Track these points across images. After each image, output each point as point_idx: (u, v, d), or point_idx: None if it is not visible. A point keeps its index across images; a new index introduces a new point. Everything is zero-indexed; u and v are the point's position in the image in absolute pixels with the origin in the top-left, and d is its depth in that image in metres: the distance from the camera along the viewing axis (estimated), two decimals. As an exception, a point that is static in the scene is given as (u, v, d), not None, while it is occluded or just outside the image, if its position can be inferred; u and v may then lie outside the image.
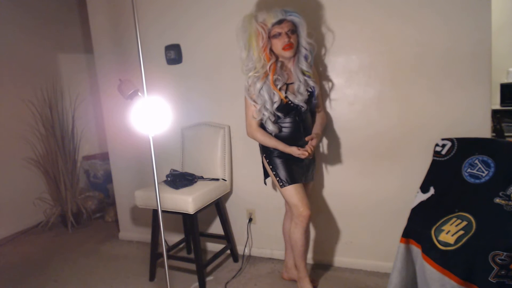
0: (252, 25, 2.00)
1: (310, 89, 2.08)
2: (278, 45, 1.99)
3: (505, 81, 3.91)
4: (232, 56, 2.63)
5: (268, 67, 2.02)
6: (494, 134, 3.55)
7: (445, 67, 2.11)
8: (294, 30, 1.99)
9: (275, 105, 2.05)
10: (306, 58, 2.05)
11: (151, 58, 2.83)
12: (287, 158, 2.10)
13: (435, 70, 2.13)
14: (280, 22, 1.97)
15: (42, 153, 3.81)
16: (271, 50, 2.03)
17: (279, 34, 1.97)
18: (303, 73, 2.06)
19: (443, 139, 1.92)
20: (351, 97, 2.36)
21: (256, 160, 2.67)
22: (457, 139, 1.88)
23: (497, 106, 3.84)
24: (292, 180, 2.09)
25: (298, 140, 2.10)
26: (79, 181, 3.94)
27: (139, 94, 1.93)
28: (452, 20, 2.06)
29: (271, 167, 2.14)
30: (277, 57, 2.06)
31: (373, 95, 2.30)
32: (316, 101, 2.15)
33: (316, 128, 2.20)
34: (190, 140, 2.78)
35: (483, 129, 2.06)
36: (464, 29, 2.04)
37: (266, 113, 2.07)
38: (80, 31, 4.31)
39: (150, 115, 1.83)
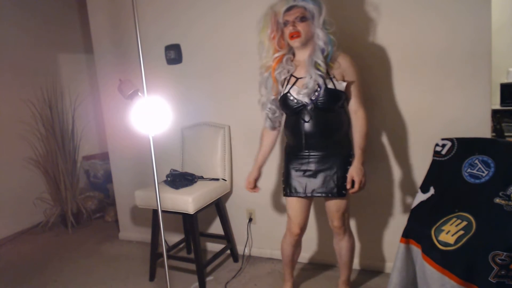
0: (267, 14, 1.90)
1: (320, 85, 1.82)
2: (286, 34, 1.84)
3: (505, 81, 3.91)
4: (232, 56, 2.63)
5: (273, 58, 1.90)
6: (494, 134, 3.55)
7: (445, 67, 2.11)
8: (304, 17, 1.80)
9: (270, 98, 1.95)
10: (323, 51, 1.82)
11: (151, 58, 2.83)
12: (292, 165, 1.95)
13: (435, 70, 2.13)
14: (289, 9, 1.81)
15: (42, 153, 3.81)
16: (284, 41, 1.90)
17: (288, 22, 1.82)
18: (316, 67, 1.82)
19: (443, 139, 1.91)
20: (351, 97, 2.35)
21: (256, 160, 2.67)
22: (457, 139, 1.88)
23: (497, 106, 3.84)
24: (289, 192, 1.95)
25: (299, 145, 1.91)
26: (79, 181, 3.93)
27: (139, 94, 1.93)
28: (452, 19, 2.06)
29: (283, 171, 2.02)
30: (291, 49, 1.93)
31: (373, 95, 2.29)
32: (319, 96, 1.82)
33: (355, 147, 1.90)
34: (190, 140, 2.78)
35: (483, 129, 2.06)
36: (464, 28, 2.04)
37: (268, 106, 1.97)
38: (80, 31, 4.30)
39: (150, 115, 1.82)
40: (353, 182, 1.87)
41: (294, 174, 1.94)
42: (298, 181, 1.93)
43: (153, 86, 2.65)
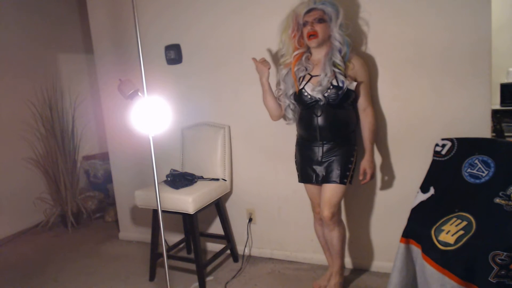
0: (289, 16, 2.09)
1: (339, 84, 1.95)
2: (305, 33, 2.01)
3: (505, 81, 3.91)
4: (232, 55, 2.63)
5: (293, 55, 2.08)
6: (494, 134, 3.55)
7: (445, 67, 2.11)
8: (322, 19, 1.96)
9: (289, 93, 2.11)
10: (340, 51, 1.98)
11: (151, 58, 2.83)
12: (304, 155, 2.12)
13: (435, 70, 2.13)
14: (309, 11, 1.98)
15: (42, 153, 3.81)
16: (303, 40, 2.06)
17: (307, 22, 1.98)
18: (335, 66, 1.97)
19: (443, 139, 1.91)
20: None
21: (256, 160, 2.67)
22: (457, 139, 1.88)
23: (497, 106, 3.84)
24: (302, 179, 2.16)
25: (312, 137, 2.07)
26: (79, 181, 3.93)
27: (139, 94, 1.93)
28: (452, 19, 2.05)
29: (296, 160, 2.22)
30: (309, 48, 2.09)
31: (373, 95, 2.29)
32: (340, 95, 1.96)
33: (365, 142, 2.09)
34: (190, 140, 2.78)
35: (483, 129, 2.06)
36: (464, 28, 2.03)
37: (287, 101, 2.16)
38: (80, 31, 4.31)
39: (150, 115, 1.83)
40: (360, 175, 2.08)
41: (305, 163, 2.12)
42: (309, 169, 2.11)
43: (153, 86, 2.65)
